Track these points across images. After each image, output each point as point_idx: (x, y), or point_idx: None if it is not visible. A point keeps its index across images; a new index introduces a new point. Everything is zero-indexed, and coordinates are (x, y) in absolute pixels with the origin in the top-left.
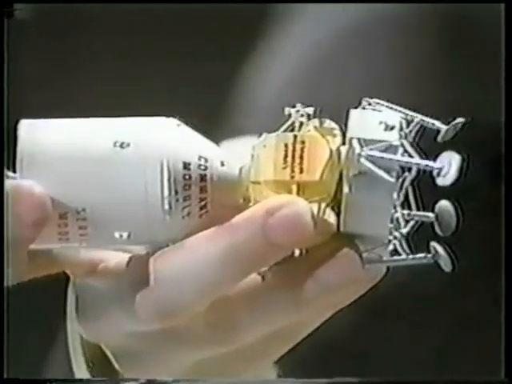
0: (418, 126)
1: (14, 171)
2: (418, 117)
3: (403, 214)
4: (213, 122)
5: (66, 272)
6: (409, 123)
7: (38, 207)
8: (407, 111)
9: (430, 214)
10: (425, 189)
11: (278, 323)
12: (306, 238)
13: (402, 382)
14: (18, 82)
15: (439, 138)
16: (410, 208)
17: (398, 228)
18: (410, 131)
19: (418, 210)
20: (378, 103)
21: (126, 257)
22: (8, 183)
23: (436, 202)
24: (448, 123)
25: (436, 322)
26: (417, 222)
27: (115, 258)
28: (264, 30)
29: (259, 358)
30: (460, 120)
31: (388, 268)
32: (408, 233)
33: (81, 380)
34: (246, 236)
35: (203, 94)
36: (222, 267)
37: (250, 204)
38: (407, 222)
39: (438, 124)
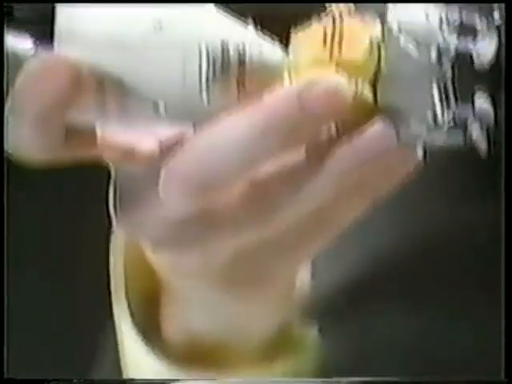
0: (458, 20)
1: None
2: (457, 12)
3: (441, 107)
4: None
5: (104, 159)
6: (447, 17)
7: (72, 70)
8: (446, 6)
9: (468, 109)
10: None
11: (315, 200)
12: (344, 110)
13: (402, 382)
14: None
15: (479, 32)
16: (447, 96)
17: (435, 110)
18: (451, 22)
19: (456, 99)
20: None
21: (161, 140)
22: (41, 55)
23: (473, 97)
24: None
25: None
26: (454, 113)
27: (152, 142)
28: None
29: (295, 250)
30: (498, 14)
31: (425, 154)
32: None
33: (81, 380)
34: (282, 107)
35: None
36: (257, 139)
37: None
38: (443, 112)
39: (476, 19)
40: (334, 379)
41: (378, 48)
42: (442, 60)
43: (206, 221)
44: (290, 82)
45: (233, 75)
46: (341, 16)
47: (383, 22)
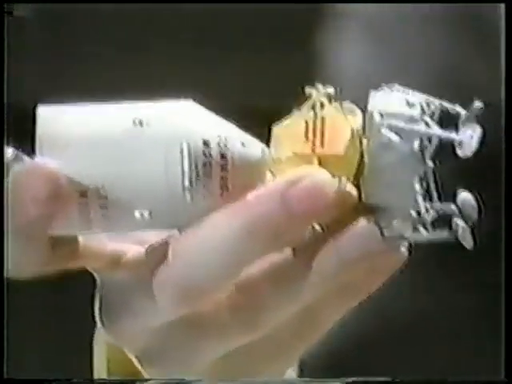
0: (438, 109)
1: (31, 156)
2: (437, 101)
3: (425, 206)
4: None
5: (89, 269)
6: (429, 105)
7: (52, 181)
8: (426, 96)
9: (452, 207)
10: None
11: (303, 301)
12: (327, 211)
13: (402, 382)
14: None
15: (460, 122)
16: (429, 193)
17: (418, 209)
18: (432, 112)
19: (439, 195)
20: (398, 88)
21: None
22: (21, 164)
23: (456, 193)
24: (465, 108)
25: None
26: (437, 211)
27: (136, 250)
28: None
29: (284, 352)
30: (479, 103)
31: (410, 251)
32: (431, 221)
33: (81, 380)
34: (265, 208)
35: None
36: (243, 241)
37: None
38: (427, 210)
39: (457, 108)
40: (334, 379)
41: (359, 140)
42: (425, 152)
43: (193, 327)
44: (273, 178)
45: (215, 174)
46: (322, 106)
47: (364, 110)
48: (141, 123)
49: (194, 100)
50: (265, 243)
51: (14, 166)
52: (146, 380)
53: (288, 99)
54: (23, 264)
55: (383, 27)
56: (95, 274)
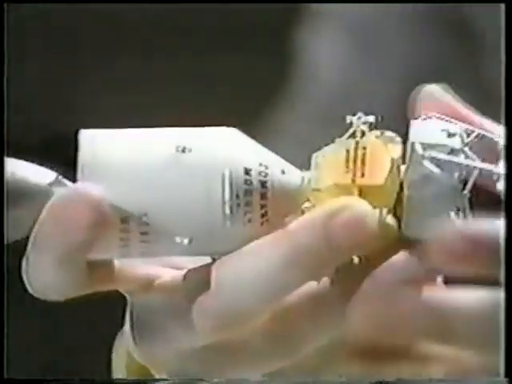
0: (479, 137)
1: (74, 181)
2: (477, 129)
3: None
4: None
5: (122, 291)
6: (469, 135)
7: (95, 208)
8: (465, 125)
9: None
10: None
11: (335, 333)
12: (368, 242)
13: (402, 381)
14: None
15: (499, 151)
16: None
17: None
18: (472, 141)
19: None
20: (438, 117)
21: (182, 272)
22: (64, 189)
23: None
24: None
25: None
26: None
27: (171, 274)
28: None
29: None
30: None
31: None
32: None
33: (81, 380)
34: (306, 239)
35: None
36: (283, 271)
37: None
38: None
39: (496, 137)
40: (334, 379)
41: (399, 170)
42: (465, 184)
43: (226, 352)
44: (312, 208)
45: (256, 202)
46: (362, 134)
47: (405, 140)
48: (183, 150)
49: (234, 127)
50: (306, 273)
51: (56, 190)
52: (156, 380)
53: (263, 100)
54: (59, 286)
55: (361, 27)
56: (127, 295)
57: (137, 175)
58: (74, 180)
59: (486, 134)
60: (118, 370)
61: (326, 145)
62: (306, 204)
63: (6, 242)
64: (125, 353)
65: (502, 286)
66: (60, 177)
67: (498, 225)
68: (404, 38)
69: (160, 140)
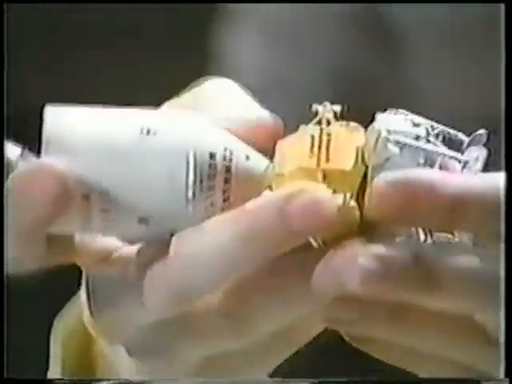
0: (442, 133)
1: (39, 155)
2: (441, 126)
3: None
4: None
5: (79, 264)
6: (434, 128)
7: (59, 183)
8: (430, 121)
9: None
10: None
11: (293, 314)
12: (326, 226)
13: (402, 381)
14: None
15: (463, 150)
16: None
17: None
18: (436, 134)
19: None
20: (402, 112)
21: (136, 246)
22: (28, 162)
23: None
24: (469, 134)
25: None
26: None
27: (128, 248)
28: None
29: (265, 359)
30: (482, 131)
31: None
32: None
33: (81, 380)
34: (264, 219)
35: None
36: (239, 249)
37: None
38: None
39: (460, 135)
40: (333, 379)
41: (363, 156)
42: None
43: (183, 327)
44: (275, 191)
45: (219, 186)
46: (328, 123)
47: (371, 130)
48: (148, 132)
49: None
50: (261, 253)
51: (20, 164)
52: (144, 380)
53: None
54: (19, 259)
55: (281, 26)
56: (83, 267)
57: (100, 153)
58: (39, 155)
59: (449, 130)
60: (57, 342)
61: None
62: (268, 190)
63: None
64: (70, 323)
65: (503, 286)
66: (26, 151)
67: (433, 174)
68: (324, 37)
69: (125, 120)
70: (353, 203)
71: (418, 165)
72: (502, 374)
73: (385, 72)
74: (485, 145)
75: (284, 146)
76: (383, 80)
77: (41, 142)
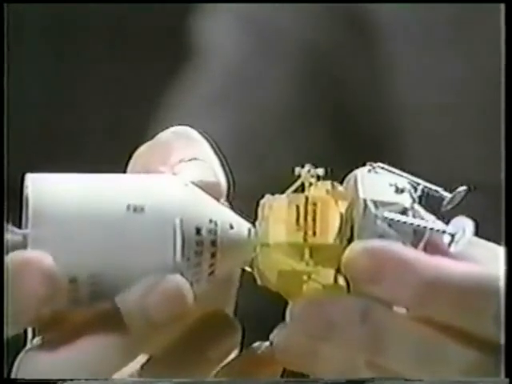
0: (425, 191)
1: (20, 226)
2: (422, 183)
3: None
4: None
5: None
6: (415, 189)
7: (47, 281)
8: (411, 177)
9: None
10: None
11: None
12: (184, 314)
13: (401, 381)
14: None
15: (444, 206)
16: None
17: None
18: (420, 196)
19: None
20: (382, 167)
21: None
22: (17, 254)
23: None
24: (450, 191)
25: None
26: None
27: None
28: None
29: None
30: (463, 188)
31: None
32: None
33: (81, 380)
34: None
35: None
36: (101, 360)
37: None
38: None
39: (441, 191)
40: (333, 379)
41: (347, 225)
42: (416, 242)
43: None
44: (260, 262)
45: (205, 261)
46: (310, 185)
47: (355, 195)
48: (135, 209)
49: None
50: (130, 357)
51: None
52: (149, 380)
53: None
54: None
55: (258, 14)
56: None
57: (87, 233)
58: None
59: (430, 187)
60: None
61: (272, 193)
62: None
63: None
64: None
65: (503, 287)
66: (9, 225)
67: (408, 252)
68: (300, 26)
69: (111, 195)
70: (341, 281)
71: (407, 238)
72: (502, 374)
73: (357, 63)
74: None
75: (267, 211)
76: (356, 71)
77: (22, 210)
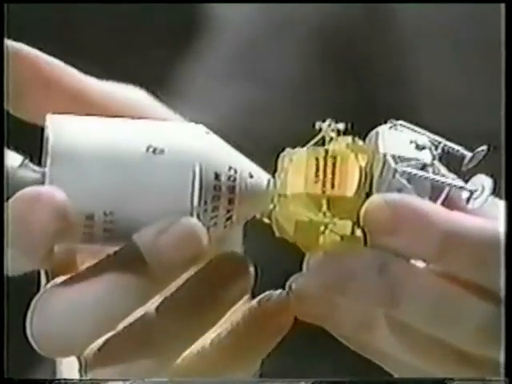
0: (444, 150)
1: (40, 164)
2: (443, 141)
3: None
4: None
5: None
6: (436, 147)
7: (59, 217)
8: (432, 135)
9: None
10: None
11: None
12: (198, 255)
13: (402, 381)
14: None
15: (464, 165)
16: None
17: None
18: (439, 154)
19: None
20: (403, 125)
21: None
22: (29, 189)
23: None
24: (471, 149)
25: None
26: None
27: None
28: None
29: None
30: (483, 147)
31: None
32: None
33: (81, 380)
34: (134, 260)
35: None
36: (112, 298)
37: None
38: None
39: (462, 150)
40: (333, 379)
41: (366, 178)
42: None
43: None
44: (278, 212)
45: (223, 207)
46: (330, 140)
47: (375, 150)
48: (154, 151)
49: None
50: (137, 297)
51: (20, 174)
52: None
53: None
54: (17, 266)
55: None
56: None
57: (105, 173)
58: (39, 163)
59: (451, 145)
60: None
61: (294, 147)
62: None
63: None
64: None
65: (503, 287)
66: (26, 160)
67: (429, 205)
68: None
69: (131, 137)
70: (359, 233)
71: (426, 194)
72: (502, 374)
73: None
74: (487, 160)
75: (287, 163)
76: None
77: (42, 150)
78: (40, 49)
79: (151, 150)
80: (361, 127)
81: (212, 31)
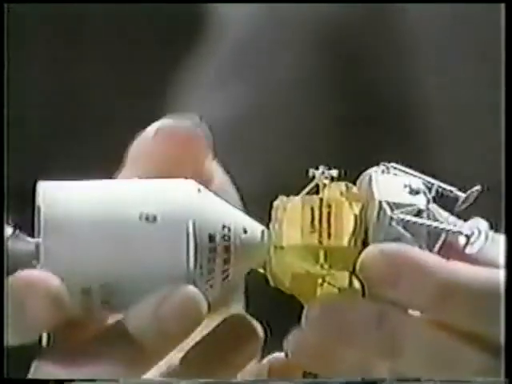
0: (437, 192)
1: (32, 235)
2: (436, 183)
3: None
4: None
5: None
6: (429, 189)
7: (55, 304)
8: (425, 177)
9: None
10: None
11: None
12: (196, 321)
13: (401, 381)
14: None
15: (457, 206)
16: None
17: None
18: (433, 197)
19: None
20: (396, 167)
21: None
22: (23, 274)
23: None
24: (464, 190)
25: None
26: None
27: None
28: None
29: None
30: (477, 188)
31: None
32: None
33: (81, 380)
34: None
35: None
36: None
37: (272, 269)
38: None
39: (455, 191)
40: (333, 379)
41: (361, 226)
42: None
43: None
44: (274, 264)
45: (218, 267)
46: (324, 187)
47: (370, 196)
48: (147, 218)
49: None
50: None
51: (12, 246)
52: (149, 380)
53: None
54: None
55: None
56: None
57: (100, 244)
58: (30, 231)
59: (444, 187)
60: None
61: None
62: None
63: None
64: None
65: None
66: (17, 231)
67: (427, 256)
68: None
69: (123, 204)
70: (356, 284)
71: (423, 241)
72: (502, 374)
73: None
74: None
75: (281, 213)
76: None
77: (34, 219)
78: (40, 49)
79: (144, 217)
80: (361, 132)
81: (212, 32)
